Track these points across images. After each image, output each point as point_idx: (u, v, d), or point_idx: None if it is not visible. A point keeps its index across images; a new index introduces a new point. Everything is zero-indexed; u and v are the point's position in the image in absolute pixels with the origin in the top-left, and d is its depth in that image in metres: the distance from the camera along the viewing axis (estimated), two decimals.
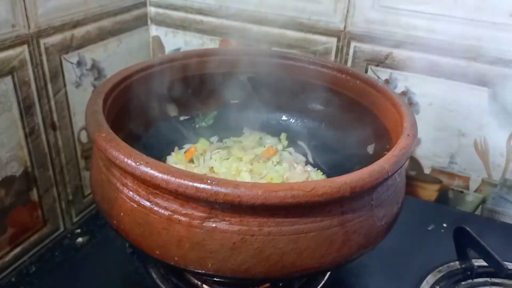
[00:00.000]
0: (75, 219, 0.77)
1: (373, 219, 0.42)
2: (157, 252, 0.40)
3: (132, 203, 0.40)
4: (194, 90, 0.62)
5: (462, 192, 0.73)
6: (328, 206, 0.38)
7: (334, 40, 0.71)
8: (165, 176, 0.36)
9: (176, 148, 0.62)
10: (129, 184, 0.40)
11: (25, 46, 0.60)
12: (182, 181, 0.36)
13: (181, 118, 0.64)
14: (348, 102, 0.59)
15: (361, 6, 0.67)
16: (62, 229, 0.74)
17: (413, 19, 0.65)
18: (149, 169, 0.37)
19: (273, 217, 0.37)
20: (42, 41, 0.63)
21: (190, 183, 0.36)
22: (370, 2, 0.66)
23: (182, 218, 0.38)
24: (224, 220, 0.37)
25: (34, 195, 0.68)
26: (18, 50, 0.59)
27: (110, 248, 0.62)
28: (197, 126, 0.65)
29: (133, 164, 0.38)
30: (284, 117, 0.66)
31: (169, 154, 0.61)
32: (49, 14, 0.62)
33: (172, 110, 0.62)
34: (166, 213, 0.38)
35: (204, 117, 0.65)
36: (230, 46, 0.75)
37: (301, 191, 0.36)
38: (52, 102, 0.67)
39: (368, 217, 0.41)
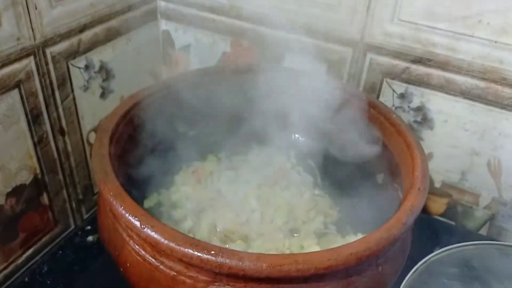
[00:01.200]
0: (85, 216, 0.78)
1: (378, 277, 0.42)
2: None
3: (138, 257, 0.40)
4: (203, 106, 0.60)
5: (471, 207, 0.72)
6: (333, 273, 0.38)
7: (349, 50, 0.68)
8: (170, 244, 0.36)
9: (184, 166, 0.61)
10: (135, 238, 0.40)
11: (31, 58, 0.59)
12: (186, 250, 0.36)
13: (190, 133, 0.63)
14: (362, 127, 0.58)
15: (380, 19, 0.64)
16: (73, 227, 0.76)
17: (434, 36, 0.62)
18: (154, 234, 0.37)
19: (278, 284, 0.37)
20: (49, 50, 0.61)
21: (195, 253, 0.36)
22: (390, 15, 0.63)
23: (187, 280, 0.38)
24: (228, 285, 0.38)
25: (45, 199, 0.68)
26: (24, 62, 0.58)
27: None
28: (205, 141, 0.64)
29: (138, 225, 0.37)
30: (294, 135, 0.65)
31: (178, 172, 0.61)
32: (55, 22, 0.60)
33: (181, 126, 0.61)
34: (171, 273, 0.39)
35: (213, 131, 0.64)
36: (237, 63, 0.73)
37: (306, 265, 0.35)
38: (60, 109, 0.66)
39: (373, 275, 0.41)
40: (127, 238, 0.41)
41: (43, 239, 0.71)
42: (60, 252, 0.71)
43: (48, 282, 0.66)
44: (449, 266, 0.56)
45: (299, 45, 0.71)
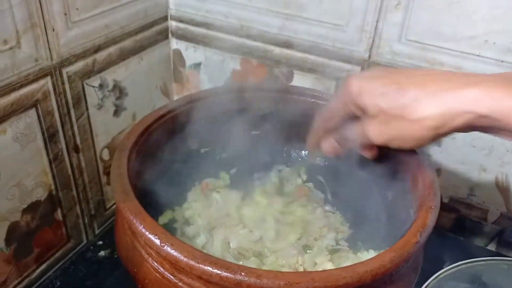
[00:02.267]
0: (97, 231, 0.79)
1: None
2: None
3: (157, 274, 0.41)
4: (215, 124, 0.61)
5: (479, 222, 0.73)
6: None
7: (358, 68, 0.69)
8: (190, 262, 0.37)
9: (196, 183, 0.62)
10: (154, 255, 0.41)
11: (48, 78, 0.61)
12: (206, 268, 0.37)
13: (202, 150, 0.64)
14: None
15: (388, 38, 0.65)
16: (85, 241, 0.77)
17: (440, 55, 0.63)
18: (173, 252, 0.38)
19: None
20: (65, 70, 0.63)
21: (214, 271, 0.37)
22: (397, 35, 0.64)
23: None
24: None
25: (59, 215, 0.70)
26: (41, 82, 0.60)
27: None
28: (217, 157, 0.65)
29: (158, 243, 0.39)
30: (305, 151, 0.66)
31: (190, 189, 0.62)
32: (71, 43, 0.62)
33: (193, 143, 0.63)
34: None
35: (225, 148, 0.65)
36: (246, 82, 0.74)
37: (322, 283, 0.36)
38: (75, 127, 0.67)
39: None
40: (146, 256, 0.42)
41: (56, 254, 0.72)
42: (73, 267, 0.73)
43: None
44: (459, 281, 0.57)
45: (307, 64, 0.72)
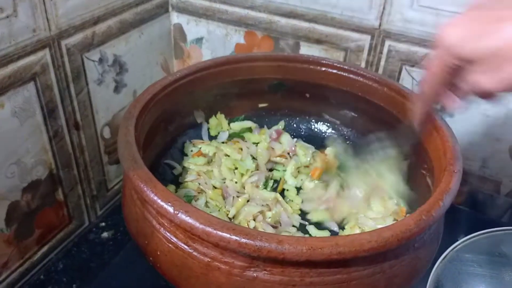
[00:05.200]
0: (99, 212, 0.77)
1: (415, 261, 0.41)
2: None
3: (170, 244, 0.39)
4: (222, 96, 0.59)
5: (492, 195, 0.71)
6: (373, 257, 0.37)
7: (367, 38, 0.67)
8: (206, 228, 0.35)
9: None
10: (166, 225, 0.39)
11: (47, 50, 0.58)
12: (224, 234, 0.35)
13: (208, 124, 0.62)
14: (382, 113, 0.57)
15: (399, 4, 0.63)
16: (87, 223, 0.75)
17: None
18: (188, 218, 0.36)
19: (316, 268, 0.36)
20: (64, 43, 0.60)
21: (233, 237, 0.35)
22: (409, 1, 0.62)
23: (222, 266, 0.37)
24: (265, 270, 0.37)
25: (60, 195, 0.67)
26: (39, 54, 0.57)
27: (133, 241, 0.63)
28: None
29: (171, 211, 0.36)
30: (315, 124, 0.64)
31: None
32: (69, 14, 0.59)
33: (199, 117, 0.60)
34: (205, 259, 0.38)
35: (231, 121, 0.63)
36: (257, 52, 0.72)
37: (347, 248, 0.34)
38: (75, 103, 0.65)
39: (410, 260, 0.40)
40: (157, 226, 0.40)
41: (58, 236, 0.70)
42: (75, 249, 0.70)
43: (64, 279, 0.65)
44: (477, 252, 0.55)
45: (314, 34, 0.70)
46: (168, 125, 0.55)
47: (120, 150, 0.41)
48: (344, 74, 0.58)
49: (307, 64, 0.59)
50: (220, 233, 0.35)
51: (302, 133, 0.64)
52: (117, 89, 0.72)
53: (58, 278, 0.65)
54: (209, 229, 0.35)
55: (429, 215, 0.38)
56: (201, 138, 0.61)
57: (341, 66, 0.58)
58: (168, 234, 0.39)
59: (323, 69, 0.59)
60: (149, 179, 0.38)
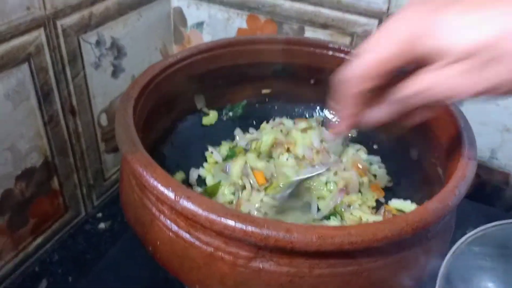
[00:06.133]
0: (96, 203, 0.75)
1: (428, 252, 0.39)
2: (197, 286, 0.37)
3: (170, 233, 0.37)
4: (223, 80, 0.57)
5: (500, 187, 0.69)
6: (385, 247, 0.35)
7: (375, 22, 0.64)
8: (209, 215, 0.33)
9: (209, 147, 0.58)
10: (167, 212, 0.37)
11: (41, 30, 0.55)
12: (228, 222, 0.33)
13: (208, 110, 0.59)
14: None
15: None
16: (83, 213, 0.72)
17: None
18: (190, 204, 0.34)
19: (326, 259, 0.34)
20: (59, 23, 0.57)
21: (238, 225, 0.32)
22: None
23: (226, 256, 0.35)
24: (272, 261, 0.35)
25: (55, 183, 0.65)
26: (34, 34, 0.54)
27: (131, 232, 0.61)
28: (224, 118, 0.61)
29: (173, 197, 0.34)
30: (320, 112, 0.61)
31: (198, 151, 0.57)
32: None
33: (200, 102, 0.58)
34: (208, 249, 0.35)
35: (233, 107, 0.61)
36: (260, 34, 0.69)
37: (359, 237, 0.32)
38: (71, 87, 0.62)
39: (423, 250, 0.38)
40: (157, 213, 0.38)
41: (53, 226, 0.67)
42: (71, 240, 0.68)
43: (59, 271, 0.63)
44: (488, 246, 0.53)
45: (320, 19, 0.68)
46: (167, 110, 0.52)
47: (118, 132, 0.39)
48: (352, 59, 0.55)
49: (312, 47, 0.57)
50: (224, 220, 0.33)
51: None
52: (115, 74, 0.70)
53: (53, 270, 0.63)
54: (212, 216, 0.33)
55: (445, 203, 0.36)
56: (201, 125, 0.59)
57: (349, 49, 0.55)
58: (168, 222, 0.37)
59: (330, 52, 0.56)
60: (148, 163, 0.36)
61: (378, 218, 0.49)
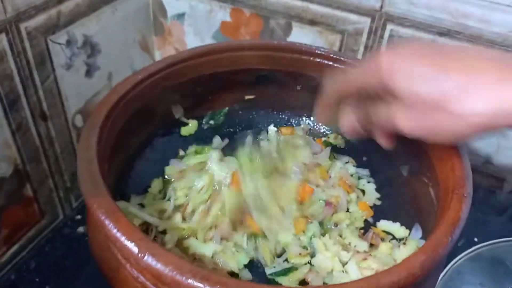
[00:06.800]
0: (74, 204, 0.72)
1: None
2: None
3: (137, 284, 0.34)
4: (202, 88, 0.53)
5: (494, 191, 0.67)
6: None
7: (367, 20, 0.60)
8: (176, 277, 0.30)
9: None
10: (133, 262, 0.34)
11: (3, 35, 0.51)
12: (196, 284, 0.30)
13: (187, 119, 0.56)
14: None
15: None
16: (61, 217, 0.70)
17: (465, 5, 0.54)
18: (155, 262, 0.31)
19: None
20: (23, 26, 0.53)
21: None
22: None
23: None
24: None
25: (28, 190, 0.62)
26: None
27: None
28: (205, 127, 0.57)
29: (136, 252, 0.31)
30: (306, 119, 0.58)
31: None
32: None
33: (178, 112, 0.54)
34: None
35: (214, 115, 0.57)
36: (242, 40, 0.64)
37: None
38: (40, 92, 0.58)
39: None
40: (123, 261, 0.35)
41: (29, 233, 0.65)
42: (49, 245, 0.66)
43: (37, 279, 0.61)
44: (478, 268, 0.51)
45: (308, 14, 0.63)
46: (143, 123, 0.49)
47: (79, 169, 0.35)
48: (340, 66, 0.51)
49: (298, 54, 0.52)
50: (192, 282, 0.30)
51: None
52: (89, 73, 0.65)
53: (30, 278, 0.61)
54: (179, 277, 0.30)
55: (435, 254, 0.33)
56: (179, 136, 0.55)
57: (338, 57, 0.51)
58: (135, 272, 0.34)
59: (318, 60, 0.52)
60: (111, 211, 0.33)
61: (364, 244, 0.46)
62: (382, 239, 0.48)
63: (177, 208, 0.47)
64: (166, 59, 0.48)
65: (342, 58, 0.52)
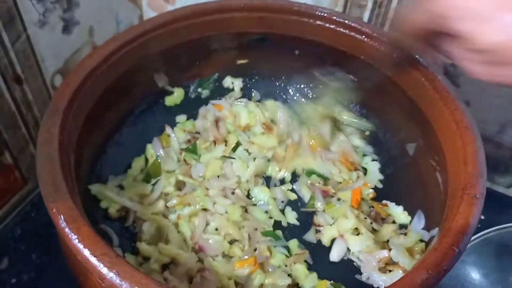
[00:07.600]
0: None
1: None
2: None
3: None
4: (189, 54, 0.47)
5: (505, 162, 0.63)
6: None
7: None
8: None
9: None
10: (96, 277, 0.30)
11: None
12: None
13: (172, 89, 0.50)
14: (387, 83, 0.45)
15: None
16: None
17: None
18: (119, 281, 0.27)
19: None
20: None
21: None
22: None
23: None
24: None
25: (8, 158, 0.58)
26: None
27: None
28: (192, 95, 0.52)
29: (98, 268, 0.27)
30: (305, 87, 0.52)
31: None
32: None
33: (161, 80, 0.49)
34: None
35: (202, 82, 0.51)
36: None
37: None
38: (12, 54, 0.53)
39: None
40: (91, 269, 0.31)
41: (12, 200, 0.62)
42: (35, 211, 0.64)
43: (22, 248, 0.59)
44: (486, 254, 0.47)
45: None
46: (121, 96, 0.44)
47: (38, 168, 0.31)
48: (344, 31, 0.45)
49: (297, 16, 0.46)
50: None
51: (289, 96, 0.53)
52: (67, 29, 0.59)
53: (15, 247, 0.59)
54: None
55: (440, 269, 0.29)
56: (163, 107, 0.50)
57: (340, 20, 0.45)
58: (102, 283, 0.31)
59: (318, 22, 0.46)
60: (71, 218, 0.29)
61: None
62: (383, 219, 0.45)
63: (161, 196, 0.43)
64: (145, 23, 0.42)
65: (346, 22, 0.45)
